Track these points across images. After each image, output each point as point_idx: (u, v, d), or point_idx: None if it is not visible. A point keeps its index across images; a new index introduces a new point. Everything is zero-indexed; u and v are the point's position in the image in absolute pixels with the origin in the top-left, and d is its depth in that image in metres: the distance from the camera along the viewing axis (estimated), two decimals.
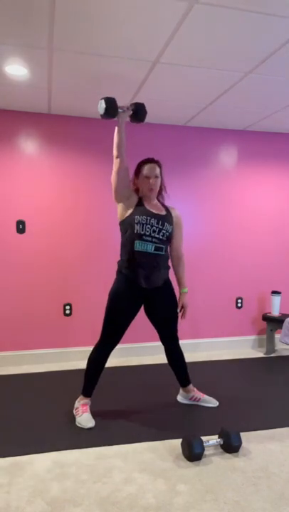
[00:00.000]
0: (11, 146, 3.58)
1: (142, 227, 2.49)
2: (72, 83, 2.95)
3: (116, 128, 2.48)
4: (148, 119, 3.76)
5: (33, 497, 1.85)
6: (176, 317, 2.73)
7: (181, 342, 2.81)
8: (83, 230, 3.78)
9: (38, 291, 3.69)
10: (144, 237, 2.50)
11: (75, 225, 3.75)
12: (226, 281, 4.18)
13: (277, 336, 4.16)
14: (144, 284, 2.54)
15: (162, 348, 2.85)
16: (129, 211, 2.54)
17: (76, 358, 3.73)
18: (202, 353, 4.04)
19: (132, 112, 2.51)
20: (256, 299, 4.28)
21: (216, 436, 2.29)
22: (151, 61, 2.57)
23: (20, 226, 3.62)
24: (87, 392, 2.62)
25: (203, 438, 2.21)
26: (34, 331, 3.70)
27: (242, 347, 4.23)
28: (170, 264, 2.72)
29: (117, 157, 2.52)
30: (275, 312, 4.02)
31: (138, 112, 2.52)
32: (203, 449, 2.14)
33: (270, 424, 2.54)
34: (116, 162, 2.53)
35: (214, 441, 2.23)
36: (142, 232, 2.49)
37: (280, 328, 3.87)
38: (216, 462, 2.13)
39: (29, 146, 3.62)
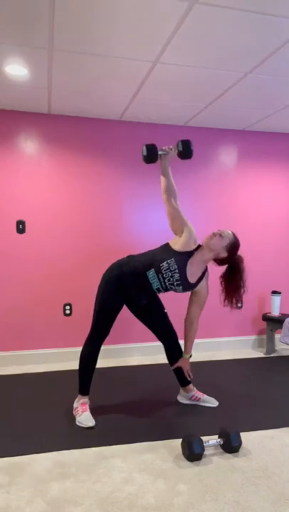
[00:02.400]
0: (11, 146, 3.58)
1: (166, 270, 2.47)
2: (72, 83, 2.95)
3: (161, 171, 2.51)
4: (148, 119, 3.78)
5: (33, 497, 1.85)
6: (165, 314, 2.75)
7: (181, 342, 2.81)
8: (83, 230, 3.78)
9: (38, 291, 3.69)
10: (159, 275, 2.49)
11: (75, 225, 3.75)
12: None
13: (277, 335, 4.16)
14: (132, 296, 2.59)
15: (162, 348, 2.85)
16: (178, 247, 2.51)
17: (76, 358, 3.69)
18: (202, 353, 4.04)
19: (177, 152, 2.47)
20: (256, 299, 4.28)
21: (216, 436, 2.29)
22: (151, 61, 2.57)
23: (20, 226, 3.62)
24: (83, 391, 2.63)
25: (203, 438, 2.21)
26: (34, 330, 3.70)
27: (242, 347, 4.23)
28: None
29: (164, 201, 2.54)
30: (275, 312, 4.02)
31: (184, 151, 2.46)
32: (203, 449, 2.14)
33: (270, 424, 2.54)
34: (165, 206, 2.55)
35: (214, 441, 2.23)
36: (162, 272, 2.48)
37: (280, 328, 3.87)
38: (216, 462, 2.13)
39: (29, 146, 3.62)
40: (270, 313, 4.08)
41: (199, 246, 2.57)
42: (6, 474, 2.02)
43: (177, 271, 2.47)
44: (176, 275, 2.48)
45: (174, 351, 2.80)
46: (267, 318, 4.04)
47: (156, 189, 3.87)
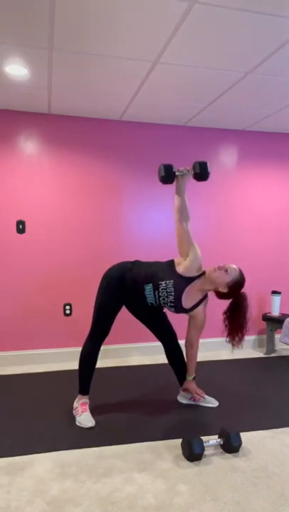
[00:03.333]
0: (11, 146, 3.58)
1: (163, 289, 2.46)
2: (72, 83, 2.95)
3: (175, 192, 2.49)
4: (148, 119, 3.77)
5: (33, 497, 1.85)
6: (164, 315, 2.75)
7: (181, 342, 2.81)
8: (83, 230, 3.78)
9: (38, 291, 3.69)
10: (156, 291, 2.49)
11: (75, 224, 3.75)
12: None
13: (277, 335, 4.16)
14: (129, 299, 2.60)
15: (162, 348, 2.85)
16: (180, 270, 2.49)
17: (76, 358, 3.69)
18: (202, 353, 4.03)
19: (193, 173, 2.44)
20: (256, 299, 4.27)
21: (216, 436, 2.29)
22: (151, 61, 2.57)
23: (20, 226, 3.62)
24: (83, 390, 2.63)
25: (203, 438, 2.21)
26: (34, 331, 3.70)
27: (242, 347, 4.22)
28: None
29: (176, 221, 2.52)
30: (275, 312, 4.02)
31: (201, 173, 2.43)
32: (203, 449, 2.14)
33: (270, 424, 2.54)
34: (176, 226, 2.52)
35: (214, 441, 2.23)
36: (159, 290, 2.47)
37: (280, 328, 3.87)
38: (216, 462, 2.13)
39: (29, 146, 3.62)
40: (270, 313, 4.08)
41: (203, 273, 2.54)
42: (6, 474, 2.02)
43: (173, 294, 2.46)
44: (171, 297, 2.47)
45: (173, 351, 2.81)
46: (267, 318, 4.04)
47: (157, 189, 3.88)
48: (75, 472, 2.05)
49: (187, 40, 2.30)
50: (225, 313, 2.59)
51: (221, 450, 2.23)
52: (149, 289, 2.50)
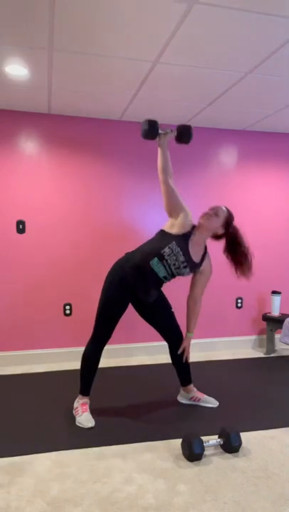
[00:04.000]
0: (11, 146, 3.58)
1: (169, 254, 2.48)
2: (72, 83, 2.95)
3: (158, 150, 2.51)
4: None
5: (33, 497, 1.85)
6: (172, 314, 2.74)
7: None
8: (83, 230, 3.78)
9: (38, 291, 3.69)
10: (163, 261, 2.49)
11: (75, 224, 3.75)
12: (225, 281, 4.17)
13: (277, 335, 4.16)
14: (139, 293, 2.57)
15: (162, 348, 2.85)
16: (174, 231, 2.53)
17: (76, 358, 3.71)
18: (202, 353, 4.04)
19: (175, 135, 2.50)
20: (256, 299, 4.28)
21: (216, 436, 2.29)
22: (151, 61, 2.57)
23: (20, 226, 3.62)
24: (84, 391, 2.62)
25: (203, 438, 2.21)
26: (34, 330, 3.70)
27: (242, 347, 4.23)
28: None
29: (161, 181, 2.55)
30: (275, 312, 4.02)
31: (182, 135, 2.50)
32: (203, 449, 2.14)
33: (270, 424, 2.54)
34: (161, 186, 2.55)
35: (214, 441, 2.23)
36: (166, 257, 2.48)
37: (280, 328, 3.87)
38: (216, 462, 2.13)
39: (29, 146, 3.62)
40: (270, 313, 4.08)
41: (194, 227, 2.59)
42: (6, 474, 2.02)
43: (181, 253, 2.49)
44: (181, 257, 2.49)
45: (178, 351, 2.78)
46: (267, 318, 4.04)
47: (157, 189, 3.87)
48: (75, 472, 2.05)
49: (187, 40, 2.30)
50: (225, 251, 2.65)
51: (221, 450, 2.23)
52: (155, 263, 2.49)
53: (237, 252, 2.64)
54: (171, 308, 2.75)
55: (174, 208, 2.56)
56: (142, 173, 3.87)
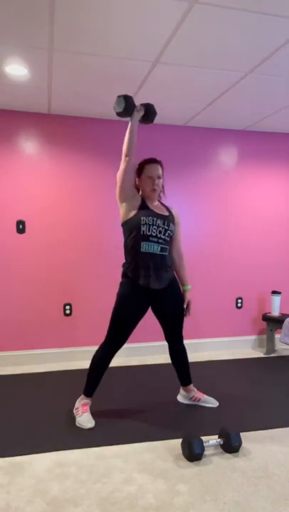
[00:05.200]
0: (11, 146, 3.58)
1: (149, 228, 2.49)
2: (72, 83, 2.95)
3: (129, 127, 2.47)
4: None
5: (33, 497, 1.85)
6: (183, 316, 2.73)
7: (186, 341, 2.81)
8: (83, 230, 3.78)
9: (38, 291, 3.69)
10: (150, 238, 2.50)
11: (75, 224, 3.75)
12: (226, 282, 4.18)
13: (277, 335, 4.16)
14: (152, 285, 2.52)
15: (163, 348, 2.85)
16: (133, 212, 2.53)
17: (76, 358, 3.73)
18: (202, 353, 4.04)
19: (143, 113, 2.50)
20: (256, 299, 4.28)
21: (216, 436, 2.29)
22: (151, 61, 2.57)
23: (21, 226, 3.62)
24: (88, 392, 2.62)
25: (203, 438, 2.21)
26: (34, 330, 3.70)
27: (242, 347, 4.23)
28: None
29: (126, 155, 2.49)
30: (275, 312, 4.02)
31: (148, 113, 2.51)
32: (203, 449, 2.14)
33: (270, 424, 2.54)
34: (125, 160, 2.48)
35: (214, 441, 2.23)
36: (149, 233, 2.49)
37: (280, 328, 3.87)
38: (216, 462, 2.13)
39: (29, 146, 3.62)
40: (270, 313, 4.08)
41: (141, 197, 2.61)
42: (6, 474, 2.02)
43: (154, 218, 2.51)
44: (158, 221, 2.51)
45: (178, 352, 2.76)
46: (267, 318, 4.04)
47: None
48: (75, 472, 2.05)
49: (187, 40, 2.30)
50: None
51: (221, 450, 2.23)
52: (146, 246, 2.50)
53: None
54: (184, 311, 2.73)
55: (132, 184, 2.55)
56: None
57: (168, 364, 2.86)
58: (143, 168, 2.58)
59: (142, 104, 2.50)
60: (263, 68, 2.65)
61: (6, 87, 3.04)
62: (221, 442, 2.22)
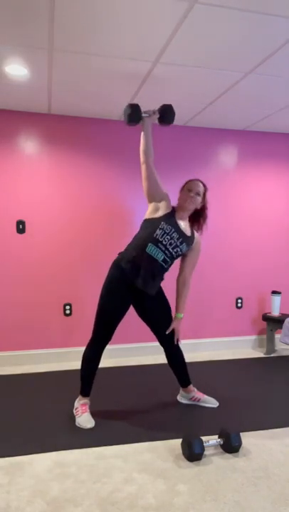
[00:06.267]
0: (11, 146, 3.58)
1: (162, 235, 2.49)
2: (72, 83, 2.95)
3: (141, 133, 2.52)
4: None
5: (33, 497, 1.85)
6: (171, 317, 2.72)
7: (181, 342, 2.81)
8: (83, 230, 3.78)
9: (38, 291, 3.69)
10: (158, 244, 2.49)
11: (75, 224, 3.75)
12: (226, 282, 4.18)
13: (277, 335, 4.16)
14: (136, 282, 2.52)
15: (162, 348, 2.84)
16: (159, 214, 2.55)
17: (76, 358, 3.71)
18: (202, 353, 4.04)
19: (158, 116, 2.52)
20: (256, 299, 4.28)
21: (216, 436, 2.29)
22: (151, 61, 2.57)
23: (20, 226, 3.62)
24: (84, 392, 2.62)
25: (203, 438, 2.21)
26: (34, 330, 3.70)
27: (242, 347, 4.23)
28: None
29: (142, 162, 2.56)
30: (275, 312, 4.02)
31: (165, 115, 2.52)
32: (203, 449, 2.14)
33: (270, 424, 2.54)
34: (143, 168, 2.57)
35: (214, 441, 2.23)
36: (160, 240, 2.49)
37: (280, 328, 3.87)
38: (216, 462, 2.13)
39: (29, 146, 3.62)
40: (270, 313, 4.08)
41: (174, 207, 2.63)
42: (6, 474, 2.02)
43: (174, 229, 2.51)
44: (175, 234, 2.51)
45: (174, 355, 2.76)
46: (267, 318, 4.04)
47: None
48: (75, 472, 2.05)
49: (187, 40, 2.30)
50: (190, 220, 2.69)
51: (221, 450, 2.23)
52: (152, 248, 2.49)
53: (202, 214, 2.70)
54: (170, 311, 2.74)
55: (156, 190, 2.58)
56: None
57: (168, 364, 2.86)
58: (186, 183, 2.66)
59: (160, 106, 2.53)
60: (263, 68, 2.65)
61: (6, 87, 3.04)
62: (221, 442, 2.23)
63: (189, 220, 2.68)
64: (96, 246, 3.80)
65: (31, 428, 2.48)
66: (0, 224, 3.58)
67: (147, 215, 2.62)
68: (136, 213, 3.90)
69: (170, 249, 2.51)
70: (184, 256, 2.71)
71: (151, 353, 3.88)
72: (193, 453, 2.11)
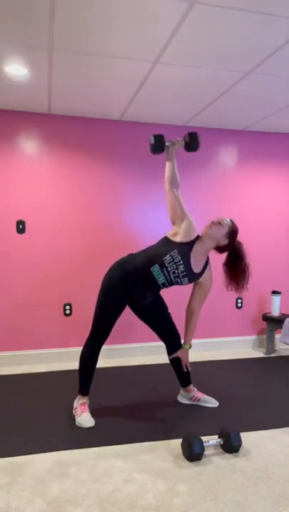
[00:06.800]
0: (11, 146, 3.58)
1: (170, 262, 2.47)
2: (73, 83, 2.95)
3: (167, 162, 2.56)
4: (148, 119, 3.77)
5: (33, 497, 1.85)
6: (168, 315, 2.74)
7: (181, 342, 2.81)
8: (83, 230, 3.78)
9: (38, 291, 3.69)
10: (163, 269, 2.49)
11: (75, 224, 3.75)
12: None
13: (277, 335, 4.16)
14: (134, 294, 2.58)
15: (162, 348, 2.85)
16: (177, 239, 2.51)
17: (76, 358, 3.68)
18: (202, 353, 4.04)
19: (183, 144, 2.55)
20: (256, 299, 4.27)
21: (216, 436, 2.29)
22: (151, 61, 2.57)
23: (20, 226, 3.62)
24: (83, 391, 2.62)
25: (203, 438, 2.21)
26: (34, 331, 3.70)
27: (242, 347, 4.23)
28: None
29: (167, 191, 2.57)
30: (275, 312, 4.02)
31: (190, 143, 2.54)
32: (203, 449, 2.14)
33: (270, 424, 2.54)
34: (167, 195, 2.58)
35: (214, 441, 2.23)
36: (166, 265, 2.48)
37: (280, 328, 3.87)
38: (216, 462, 2.13)
39: (29, 146, 3.62)
40: (270, 313, 4.08)
41: (198, 237, 2.59)
42: (6, 474, 2.02)
43: (182, 262, 2.47)
44: (181, 267, 2.48)
45: (176, 352, 2.79)
46: (267, 318, 4.04)
47: (157, 189, 3.87)
48: (75, 472, 2.05)
49: (187, 40, 2.30)
50: (225, 264, 2.63)
51: (221, 450, 2.23)
52: (156, 269, 2.49)
53: (237, 267, 2.62)
54: (167, 309, 2.75)
55: (178, 216, 2.55)
56: (142, 173, 3.87)
57: (168, 364, 2.86)
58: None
59: (186, 135, 2.55)
60: (263, 68, 2.65)
61: (6, 87, 3.04)
62: (221, 442, 2.23)
63: (226, 268, 2.62)
64: (96, 246, 3.80)
65: (31, 428, 2.48)
66: (0, 224, 3.58)
67: (169, 234, 2.59)
68: (136, 213, 3.90)
69: (172, 277, 2.51)
70: (195, 285, 2.69)
71: (151, 353, 3.88)
72: (193, 453, 2.11)
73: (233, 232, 2.60)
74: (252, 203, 4.18)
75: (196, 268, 2.55)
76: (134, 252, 2.66)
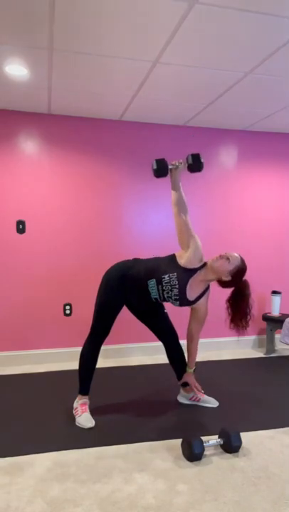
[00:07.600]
0: (11, 146, 3.58)
1: (167, 283, 2.45)
2: (72, 83, 2.95)
3: (171, 186, 2.52)
4: (148, 119, 3.77)
5: (33, 497, 1.85)
6: (165, 315, 2.75)
7: (181, 342, 2.81)
8: (83, 230, 3.78)
9: (38, 291, 3.69)
10: (159, 286, 2.47)
11: (75, 224, 3.75)
12: None
13: (277, 335, 4.16)
14: (129, 297, 2.58)
15: (162, 348, 2.85)
16: (182, 262, 2.48)
17: (76, 358, 3.70)
18: (202, 353, 4.03)
19: (187, 165, 2.51)
20: (256, 299, 4.26)
21: (216, 436, 2.29)
22: (151, 61, 2.57)
23: (20, 226, 3.62)
24: (83, 390, 2.62)
25: (203, 438, 2.21)
26: (34, 331, 3.70)
27: (242, 347, 4.23)
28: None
29: (175, 215, 2.52)
30: (275, 312, 4.02)
31: (193, 164, 2.52)
32: (203, 449, 2.14)
33: (270, 424, 2.54)
34: (175, 219, 2.52)
35: (214, 441, 2.23)
36: (163, 284, 2.45)
37: (280, 328, 3.87)
38: (216, 462, 2.13)
39: (29, 146, 3.62)
40: (270, 313, 4.08)
41: (205, 264, 2.54)
42: (6, 474, 2.02)
43: (177, 286, 2.45)
44: (175, 290, 2.45)
45: (175, 352, 2.80)
46: (267, 318, 4.04)
47: (157, 188, 3.88)
48: (75, 472, 2.05)
49: (187, 40, 2.30)
50: (228, 301, 2.59)
51: (221, 450, 2.23)
52: (152, 284, 2.48)
53: (238, 307, 2.58)
54: (164, 309, 2.75)
55: (184, 242, 2.52)
56: (142, 173, 3.87)
57: (167, 364, 2.87)
58: None
59: (187, 156, 2.52)
60: (263, 68, 2.65)
61: (6, 87, 3.03)
62: (221, 442, 2.23)
63: (228, 304, 2.58)
64: (96, 246, 3.80)
65: (31, 428, 2.48)
66: (0, 224, 3.58)
67: (177, 253, 2.56)
68: (136, 213, 3.90)
69: (165, 295, 2.49)
70: (192, 311, 2.67)
71: (151, 353, 3.88)
72: (193, 453, 2.11)
73: (239, 271, 2.52)
74: (252, 202, 4.18)
75: (191, 296, 2.51)
76: (139, 258, 2.65)
